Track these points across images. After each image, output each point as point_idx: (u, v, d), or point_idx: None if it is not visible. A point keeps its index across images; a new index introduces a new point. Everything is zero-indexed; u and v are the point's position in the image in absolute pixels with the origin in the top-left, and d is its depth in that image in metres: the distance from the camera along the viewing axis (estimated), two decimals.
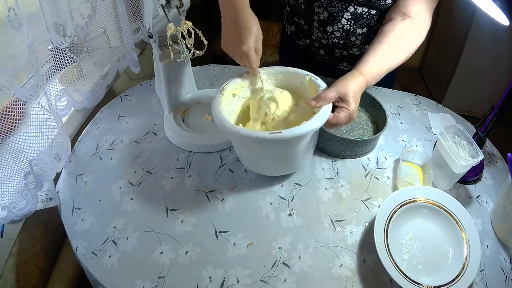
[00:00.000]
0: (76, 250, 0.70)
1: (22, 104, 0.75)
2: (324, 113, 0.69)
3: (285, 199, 0.78)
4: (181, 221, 0.74)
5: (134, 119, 0.97)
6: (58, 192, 0.81)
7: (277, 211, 0.76)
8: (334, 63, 1.05)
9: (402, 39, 0.81)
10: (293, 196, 0.79)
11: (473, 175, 0.83)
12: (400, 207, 0.72)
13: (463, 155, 0.75)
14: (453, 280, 0.64)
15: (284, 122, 0.76)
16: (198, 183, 0.81)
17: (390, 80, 1.04)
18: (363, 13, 0.89)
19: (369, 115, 0.97)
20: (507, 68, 1.85)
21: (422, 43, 0.84)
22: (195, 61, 0.93)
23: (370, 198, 0.79)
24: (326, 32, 0.95)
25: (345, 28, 0.92)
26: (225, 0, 0.75)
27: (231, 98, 0.79)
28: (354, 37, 0.94)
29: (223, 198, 0.78)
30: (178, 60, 0.82)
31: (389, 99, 1.05)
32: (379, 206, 0.76)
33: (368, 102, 0.95)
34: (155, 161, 0.86)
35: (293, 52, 1.13)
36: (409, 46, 0.82)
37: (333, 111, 0.72)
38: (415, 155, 0.85)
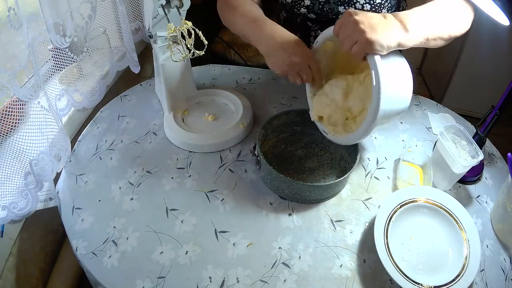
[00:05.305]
0: (76, 250, 0.70)
1: (22, 104, 0.75)
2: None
3: (285, 199, 0.78)
4: (181, 221, 0.74)
5: (134, 119, 0.97)
6: (58, 192, 0.81)
7: (277, 211, 0.76)
8: None
9: (441, 4, 0.72)
10: None
11: (473, 175, 0.83)
12: (400, 207, 0.72)
13: (463, 155, 0.75)
14: (453, 280, 0.64)
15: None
16: (198, 183, 0.81)
17: None
18: None
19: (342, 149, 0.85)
20: (507, 68, 1.85)
21: None
22: (195, 61, 0.93)
23: (370, 198, 0.79)
24: None
25: None
26: (256, 27, 0.79)
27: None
28: None
29: (223, 198, 0.78)
30: (178, 60, 0.82)
31: None
32: (379, 206, 0.76)
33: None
34: (155, 161, 0.85)
35: None
36: (456, 13, 0.73)
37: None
38: (415, 155, 0.84)
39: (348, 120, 0.78)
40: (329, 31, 0.72)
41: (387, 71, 0.65)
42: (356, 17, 0.64)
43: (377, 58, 0.64)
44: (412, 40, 0.66)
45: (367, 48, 0.64)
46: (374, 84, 0.64)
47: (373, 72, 0.64)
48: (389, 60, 0.67)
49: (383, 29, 0.64)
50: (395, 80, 0.67)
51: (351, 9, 0.66)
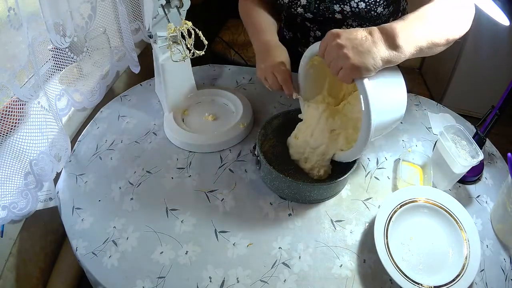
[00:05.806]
0: (76, 250, 0.70)
1: (22, 104, 0.75)
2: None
3: (285, 199, 0.78)
4: (181, 221, 0.74)
5: (134, 119, 0.97)
6: (58, 192, 0.81)
7: (277, 211, 0.76)
8: None
9: (438, 5, 0.67)
10: None
11: (473, 175, 0.83)
12: (400, 207, 0.72)
13: (463, 155, 0.75)
14: (453, 280, 0.64)
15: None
16: (198, 183, 0.81)
17: None
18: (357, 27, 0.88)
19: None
20: (507, 68, 1.85)
21: None
22: (195, 61, 0.93)
23: (370, 198, 0.79)
24: None
25: None
26: (255, 37, 0.89)
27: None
28: None
29: (223, 198, 0.78)
30: (178, 60, 0.82)
31: None
32: (379, 206, 0.76)
33: None
34: (155, 161, 0.85)
35: (291, 56, 1.13)
36: (456, 13, 0.68)
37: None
38: (415, 155, 0.85)
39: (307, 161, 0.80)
40: (315, 47, 0.70)
41: (377, 92, 0.62)
42: (339, 41, 0.60)
43: (365, 81, 0.62)
44: (402, 56, 0.62)
45: (353, 74, 0.61)
46: (364, 109, 0.62)
47: (361, 97, 0.62)
48: (379, 79, 0.64)
49: (369, 50, 0.60)
50: (386, 99, 0.65)
51: (334, 30, 0.63)
